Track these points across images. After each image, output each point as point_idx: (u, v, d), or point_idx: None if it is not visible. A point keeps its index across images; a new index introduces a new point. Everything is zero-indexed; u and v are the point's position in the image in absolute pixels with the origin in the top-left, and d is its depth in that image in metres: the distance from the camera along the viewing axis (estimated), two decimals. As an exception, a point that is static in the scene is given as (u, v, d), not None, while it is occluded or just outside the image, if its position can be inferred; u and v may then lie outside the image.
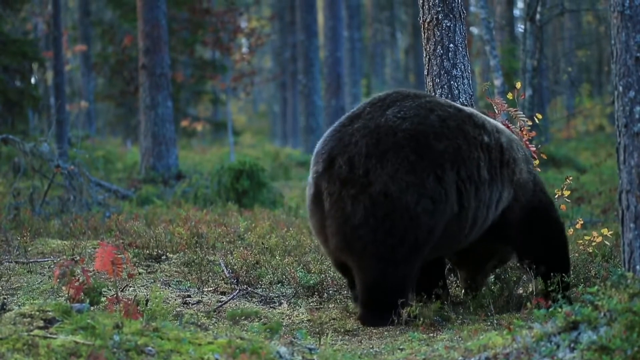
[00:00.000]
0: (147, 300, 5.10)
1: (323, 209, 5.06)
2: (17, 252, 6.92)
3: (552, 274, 5.34)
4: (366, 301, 5.19)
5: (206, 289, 6.15)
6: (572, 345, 3.87)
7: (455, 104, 5.44)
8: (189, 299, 5.86)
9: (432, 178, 4.97)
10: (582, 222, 7.01)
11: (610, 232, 6.54)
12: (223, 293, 6.10)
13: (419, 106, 5.16)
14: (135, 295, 5.35)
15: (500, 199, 5.34)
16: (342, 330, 5.27)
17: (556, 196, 6.43)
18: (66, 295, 4.90)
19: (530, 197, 5.53)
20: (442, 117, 5.15)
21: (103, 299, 4.93)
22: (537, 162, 6.01)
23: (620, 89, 4.45)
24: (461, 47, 6.08)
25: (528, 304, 4.53)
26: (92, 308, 4.52)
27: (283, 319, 5.51)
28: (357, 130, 5.06)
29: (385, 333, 5.14)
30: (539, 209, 5.55)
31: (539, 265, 5.41)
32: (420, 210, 4.94)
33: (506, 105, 6.29)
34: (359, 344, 4.96)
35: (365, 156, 4.94)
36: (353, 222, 4.94)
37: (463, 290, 5.87)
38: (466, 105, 5.88)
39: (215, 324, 5.24)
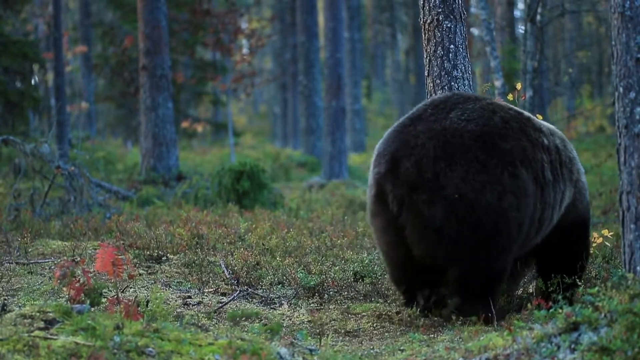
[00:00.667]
0: (147, 301, 5.10)
1: (387, 210, 5.02)
2: (18, 253, 6.92)
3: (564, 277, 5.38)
4: (465, 293, 5.09)
5: (207, 290, 6.15)
6: (572, 346, 3.87)
7: (513, 106, 5.44)
8: (189, 299, 5.86)
9: (506, 174, 4.93)
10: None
11: (610, 233, 6.54)
12: (223, 294, 6.10)
13: (482, 108, 5.15)
14: (136, 296, 5.35)
15: (563, 198, 5.35)
16: (343, 331, 5.27)
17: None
18: (67, 296, 4.90)
19: (581, 204, 5.54)
20: (504, 119, 5.15)
21: (103, 299, 4.93)
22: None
23: (621, 90, 4.46)
24: (462, 48, 6.08)
25: (529, 304, 4.53)
26: (92, 309, 4.52)
27: (283, 320, 5.51)
28: (422, 133, 5.02)
29: (386, 334, 5.15)
30: (582, 222, 5.58)
31: (559, 273, 5.44)
32: (506, 206, 4.90)
33: (507, 106, 6.29)
34: (360, 344, 4.96)
35: (434, 159, 4.91)
36: (434, 225, 4.89)
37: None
38: None
39: (216, 325, 5.25)
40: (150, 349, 3.91)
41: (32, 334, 3.90)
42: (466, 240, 4.90)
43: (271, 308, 5.82)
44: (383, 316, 5.52)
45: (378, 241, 5.35)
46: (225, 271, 6.46)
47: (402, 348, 4.74)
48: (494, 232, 4.92)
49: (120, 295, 5.28)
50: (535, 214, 5.11)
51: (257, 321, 5.37)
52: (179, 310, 5.48)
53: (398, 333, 5.14)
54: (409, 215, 4.94)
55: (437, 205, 4.86)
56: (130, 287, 5.99)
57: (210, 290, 6.17)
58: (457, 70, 6.07)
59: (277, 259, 6.73)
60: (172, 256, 7.04)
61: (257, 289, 6.23)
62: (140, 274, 6.38)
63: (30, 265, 6.54)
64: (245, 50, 27.02)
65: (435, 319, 5.30)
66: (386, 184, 5.02)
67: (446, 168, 4.88)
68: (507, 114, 5.21)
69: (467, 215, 4.86)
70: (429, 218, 4.89)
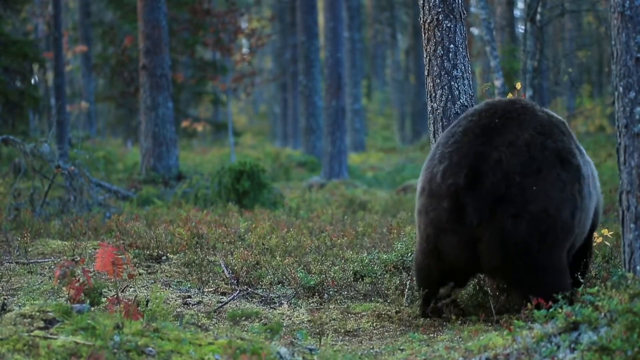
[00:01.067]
0: (147, 301, 5.10)
1: (464, 226, 4.92)
2: (18, 253, 6.92)
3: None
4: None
5: (206, 290, 6.15)
6: (572, 345, 3.87)
7: (550, 111, 5.46)
8: (189, 299, 5.86)
9: (576, 191, 5.01)
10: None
11: (610, 233, 6.54)
12: (223, 293, 6.11)
13: (549, 121, 5.20)
14: (136, 296, 5.35)
15: (592, 199, 5.40)
16: (343, 330, 5.27)
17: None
18: (66, 295, 4.90)
19: (600, 200, 5.56)
20: (564, 132, 5.22)
21: (103, 299, 4.93)
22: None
23: (621, 89, 4.46)
24: (461, 47, 6.08)
25: (528, 304, 4.53)
26: (92, 309, 4.52)
27: (283, 319, 5.51)
28: (502, 146, 4.99)
29: (386, 334, 5.15)
30: (597, 219, 5.58)
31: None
32: (575, 223, 4.99)
33: (506, 105, 6.28)
34: (360, 344, 4.97)
35: (520, 174, 4.89)
36: (516, 239, 4.85)
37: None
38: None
39: (216, 325, 5.25)
40: (150, 348, 3.91)
41: (32, 334, 3.90)
42: (543, 256, 4.91)
43: (271, 308, 5.82)
44: (383, 316, 5.52)
45: (444, 256, 5.10)
46: (225, 271, 6.46)
47: (402, 348, 4.74)
48: (560, 249, 4.97)
49: (120, 294, 5.28)
50: (588, 220, 5.21)
51: (257, 321, 5.37)
52: (178, 309, 5.48)
53: (398, 333, 5.14)
54: (487, 228, 4.89)
55: (523, 219, 4.85)
56: (130, 287, 5.99)
57: (210, 289, 6.17)
58: (457, 69, 6.07)
59: (277, 258, 6.73)
60: (172, 256, 7.04)
61: (256, 289, 6.23)
62: (140, 274, 6.38)
63: (30, 264, 6.54)
64: (245, 50, 27.05)
65: (435, 318, 5.30)
66: (466, 197, 4.91)
67: (533, 182, 4.89)
68: (561, 125, 5.26)
69: (550, 231, 4.89)
70: (511, 232, 4.85)
